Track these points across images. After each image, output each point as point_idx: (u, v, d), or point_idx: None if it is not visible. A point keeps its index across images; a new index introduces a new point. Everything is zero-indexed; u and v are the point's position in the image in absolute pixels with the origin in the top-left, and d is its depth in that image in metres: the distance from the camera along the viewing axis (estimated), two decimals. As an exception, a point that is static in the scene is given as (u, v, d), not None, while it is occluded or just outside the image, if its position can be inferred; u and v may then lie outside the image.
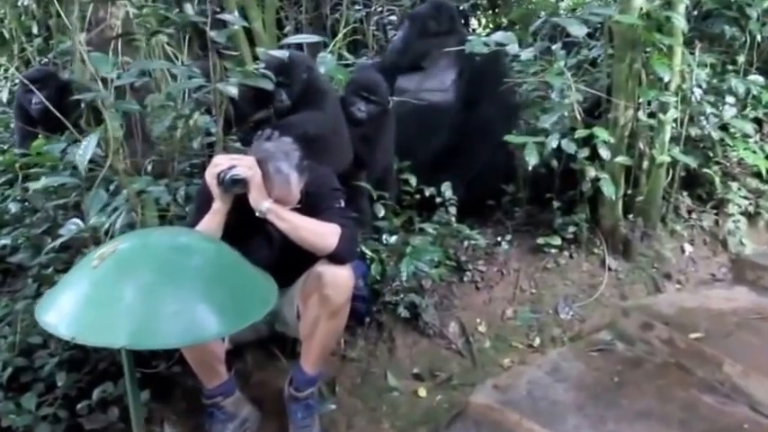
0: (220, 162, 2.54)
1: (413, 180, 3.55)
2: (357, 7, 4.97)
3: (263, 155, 2.56)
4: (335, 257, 2.60)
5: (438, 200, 3.50)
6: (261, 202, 2.54)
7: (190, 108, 3.12)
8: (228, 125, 3.36)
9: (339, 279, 2.61)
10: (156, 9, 3.05)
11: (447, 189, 3.47)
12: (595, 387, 2.76)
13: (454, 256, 3.47)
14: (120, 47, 3.40)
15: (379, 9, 4.99)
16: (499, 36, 3.30)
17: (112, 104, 2.69)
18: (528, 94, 3.74)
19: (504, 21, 5.23)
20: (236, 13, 3.45)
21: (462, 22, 5.11)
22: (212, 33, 2.91)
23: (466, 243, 3.53)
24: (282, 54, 2.91)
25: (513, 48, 3.23)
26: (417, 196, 3.56)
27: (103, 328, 1.83)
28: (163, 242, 2.18)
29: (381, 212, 3.15)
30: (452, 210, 3.46)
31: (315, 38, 3.38)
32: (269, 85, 2.88)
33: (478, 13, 5.22)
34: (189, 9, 2.94)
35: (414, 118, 3.70)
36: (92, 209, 2.63)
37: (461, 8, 5.03)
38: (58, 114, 3.79)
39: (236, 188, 2.50)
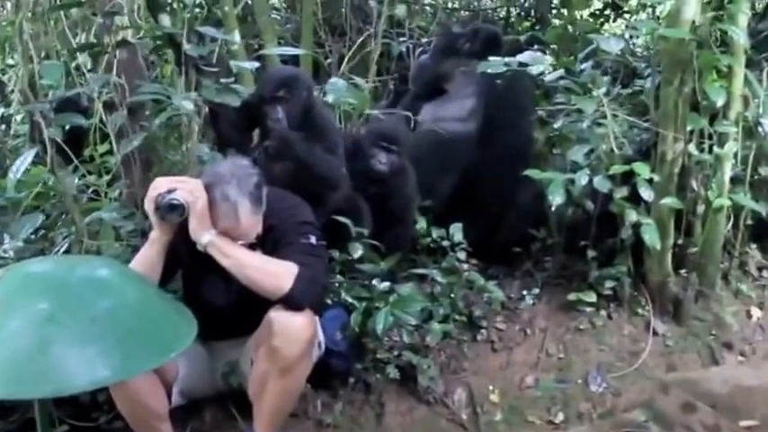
0: (160, 185, 2.20)
1: (423, 222, 3.12)
2: (402, 39, 4.62)
3: (211, 179, 2.22)
4: (289, 302, 2.22)
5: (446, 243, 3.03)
6: (201, 234, 2.20)
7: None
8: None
9: (292, 328, 2.21)
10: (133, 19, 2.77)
11: (457, 231, 2.99)
12: (609, 482, 2.19)
13: (465, 309, 2.99)
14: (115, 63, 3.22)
15: (425, 41, 4.62)
16: (523, 56, 2.85)
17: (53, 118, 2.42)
18: (566, 125, 3.22)
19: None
20: (237, 34, 3.16)
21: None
22: (187, 47, 2.62)
23: (486, 296, 3.04)
24: (252, 65, 2.57)
25: (537, 68, 2.77)
26: (428, 239, 3.11)
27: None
28: (74, 274, 1.88)
29: (358, 252, 2.69)
30: (461, 255, 2.97)
31: (299, 50, 3.04)
32: (236, 102, 2.55)
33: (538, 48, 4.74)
34: (165, 20, 2.66)
35: (428, 152, 3.28)
36: (20, 233, 2.34)
37: (519, 41, 4.57)
38: (60, 143, 3.67)
39: (173, 215, 2.17)
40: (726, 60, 2.74)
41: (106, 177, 3.20)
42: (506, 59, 2.81)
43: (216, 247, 2.20)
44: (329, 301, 2.76)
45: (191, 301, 2.51)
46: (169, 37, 2.64)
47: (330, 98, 2.97)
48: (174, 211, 2.15)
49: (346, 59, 3.90)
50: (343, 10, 4.59)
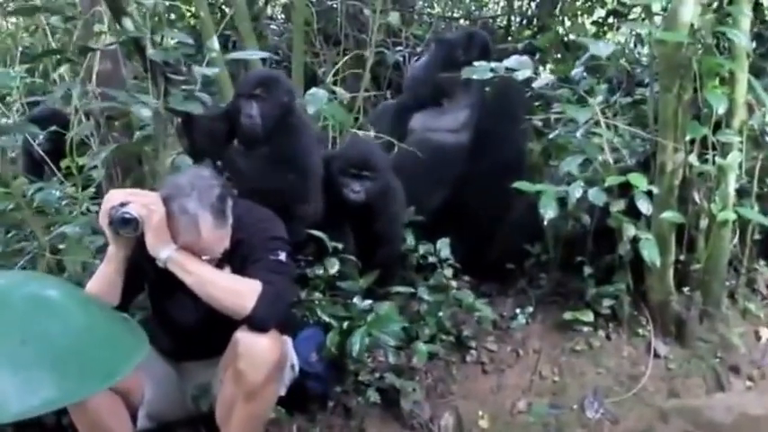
0: (114, 197, 2.08)
1: (410, 238, 2.97)
2: (398, 48, 4.50)
3: (169, 191, 2.10)
4: (252, 322, 2.09)
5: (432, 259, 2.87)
6: (159, 249, 2.08)
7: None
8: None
9: (257, 350, 2.08)
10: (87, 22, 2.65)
11: (444, 247, 2.83)
12: None
13: (454, 329, 2.83)
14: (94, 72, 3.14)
15: (420, 50, 4.50)
16: (511, 61, 2.70)
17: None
18: (561, 135, 3.07)
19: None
20: (215, 41, 3.04)
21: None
22: (151, 52, 2.50)
23: (477, 315, 2.87)
24: (212, 71, 2.45)
25: (524, 73, 2.62)
26: (416, 255, 2.95)
27: None
28: (19, 292, 1.79)
29: (334, 268, 2.54)
30: (448, 272, 2.81)
31: (261, 54, 2.90)
32: (198, 109, 2.43)
33: (540, 56, 4.57)
34: (128, 24, 2.54)
35: (419, 164, 3.13)
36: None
37: (517, 49, 4.42)
38: (42, 154, 3.60)
39: (127, 229, 2.05)
40: (728, 65, 2.57)
41: (91, 190, 3.12)
42: (493, 65, 2.66)
43: (176, 262, 2.08)
44: (310, 320, 2.63)
45: (158, 320, 2.42)
46: (135, 42, 2.52)
47: (310, 109, 2.82)
48: (127, 226, 2.04)
49: (333, 69, 3.76)
50: (339, 19, 4.49)
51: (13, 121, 5.20)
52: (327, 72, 4.42)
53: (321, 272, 2.64)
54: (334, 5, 4.72)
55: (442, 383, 2.76)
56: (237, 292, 2.08)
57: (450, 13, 5.06)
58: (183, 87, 2.53)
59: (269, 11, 5.30)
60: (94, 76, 3.14)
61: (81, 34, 3.24)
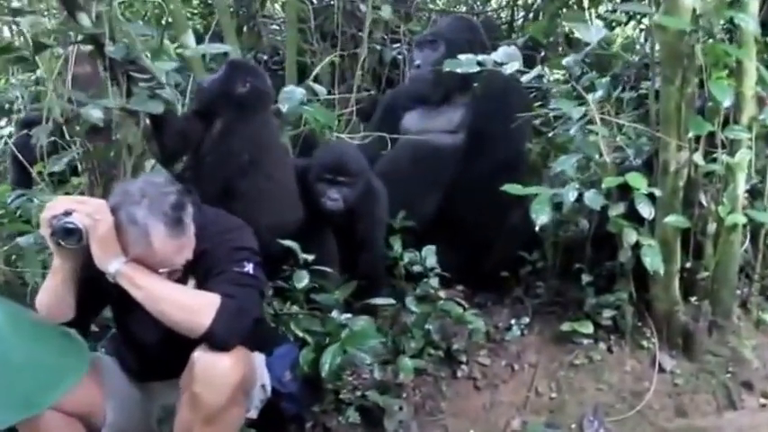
0: (56, 206, 1.93)
1: (397, 245, 2.80)
2: (395, 45, 4.34)
3: (118, 199, 1.95)
4: (211, 340, 1.93)
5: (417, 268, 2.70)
6: (107, 262, 1.93)
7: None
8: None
9: (215, 371, 1.93)
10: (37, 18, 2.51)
11: (429, 255, 2.66)
12: None
13: (442, 342, 2.66)
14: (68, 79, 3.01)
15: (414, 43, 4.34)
16: (499, 54, 2.52)
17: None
18: (559, 134, 2.88)
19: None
20: (191, 36, 2.90)
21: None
22: (110, 48, 2.36)
23: (469, 327, 2.70)
24: (171, 66, 2.31)
25: (512, 66, 2.44)
26: (401, 263, 2.78)
27: None
28: None
29: (303, 281, 2.37)
30: (434, 281, 2.63)
31: (227, 47, 2.75)
32: (158, 109, 2.28)
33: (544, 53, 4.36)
34: (85, 19, 2.40)
35: (411, 166, 2.98)
36: None
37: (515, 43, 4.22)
38: (20, 158, 3.51)
39: (69, 241, 1.90)
40: (735, 53, 2.36)
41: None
42: (480, 58, 2.48)
43: (125, 277, 1.92)
44: (288, 336, 2.47)
45: (122, 338, 2.28)
46: (92, 38, 2.37)
47: (284, 108, 2.66)
48: (70, 237, 1.88)
49: (319, 66, 3.60)
50: (335, 16, 4.33)
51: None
52: (323, 71, 4.28)
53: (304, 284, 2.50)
54: (332, 2, 4.56)
55: (431, 401, 2.60)
56: (193, 308, 1.92)
57: (451, 8, 4.88)
58: (148, 86, 2.37)
59: (267, 10, 5.15)
60: (69, 78, 3.03)
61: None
